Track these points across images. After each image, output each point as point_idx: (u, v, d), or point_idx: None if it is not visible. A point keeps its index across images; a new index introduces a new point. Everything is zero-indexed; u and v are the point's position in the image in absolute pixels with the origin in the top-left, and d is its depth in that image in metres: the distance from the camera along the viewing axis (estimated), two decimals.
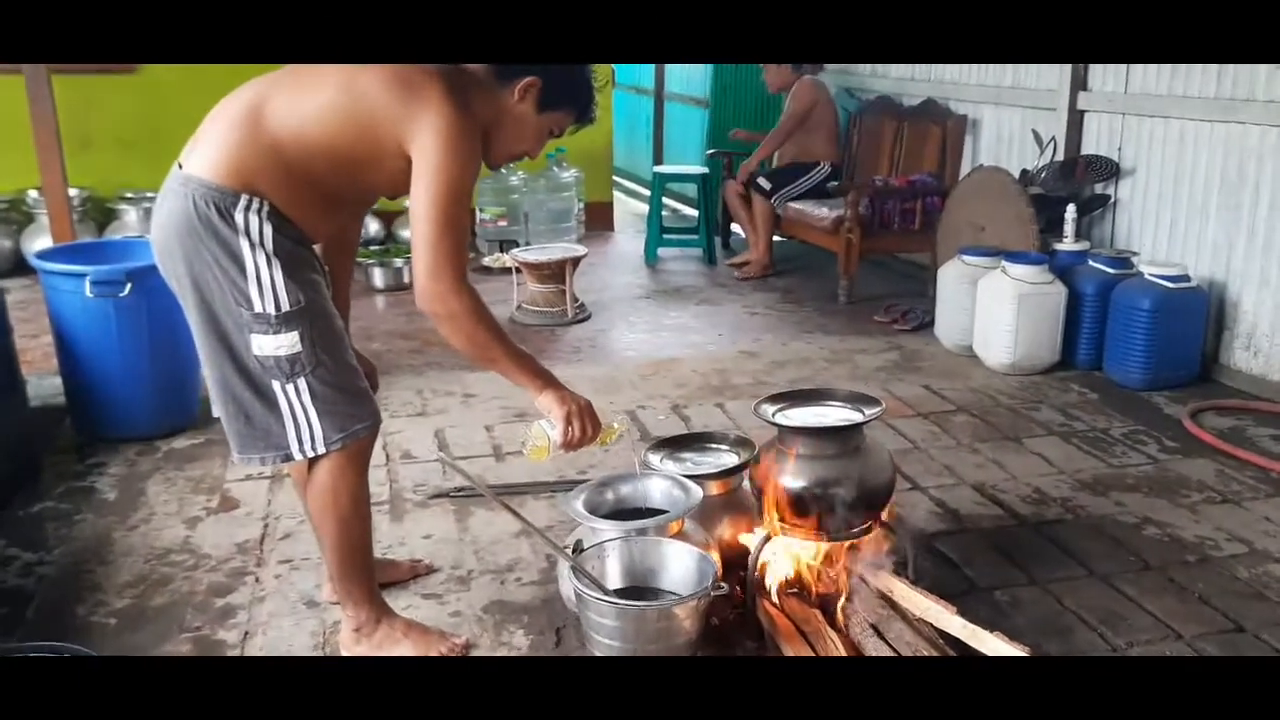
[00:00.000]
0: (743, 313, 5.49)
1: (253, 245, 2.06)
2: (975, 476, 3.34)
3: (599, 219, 7.61)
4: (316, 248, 2.28)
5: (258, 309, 2.07)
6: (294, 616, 2.57)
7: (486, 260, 6.36)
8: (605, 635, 2.06)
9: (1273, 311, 4.02)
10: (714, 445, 2.82)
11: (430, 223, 2.05)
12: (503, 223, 6.81)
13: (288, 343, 2.10)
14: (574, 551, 2.19)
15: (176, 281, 2.15)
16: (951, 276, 4.63)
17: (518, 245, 6.04)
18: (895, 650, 2.23)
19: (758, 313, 5.48)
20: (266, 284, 2.08)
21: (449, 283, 2.07)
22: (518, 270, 5.33)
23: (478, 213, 6.84)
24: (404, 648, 2.35)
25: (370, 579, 2.38)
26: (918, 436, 3.69)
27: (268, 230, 2.07)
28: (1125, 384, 4.14)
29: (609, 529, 2.31)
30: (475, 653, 2.40)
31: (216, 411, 2.21)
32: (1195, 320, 4.13)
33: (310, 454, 2.17)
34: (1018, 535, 2.94)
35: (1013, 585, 2.67)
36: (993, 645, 2.24)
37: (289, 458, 2.18)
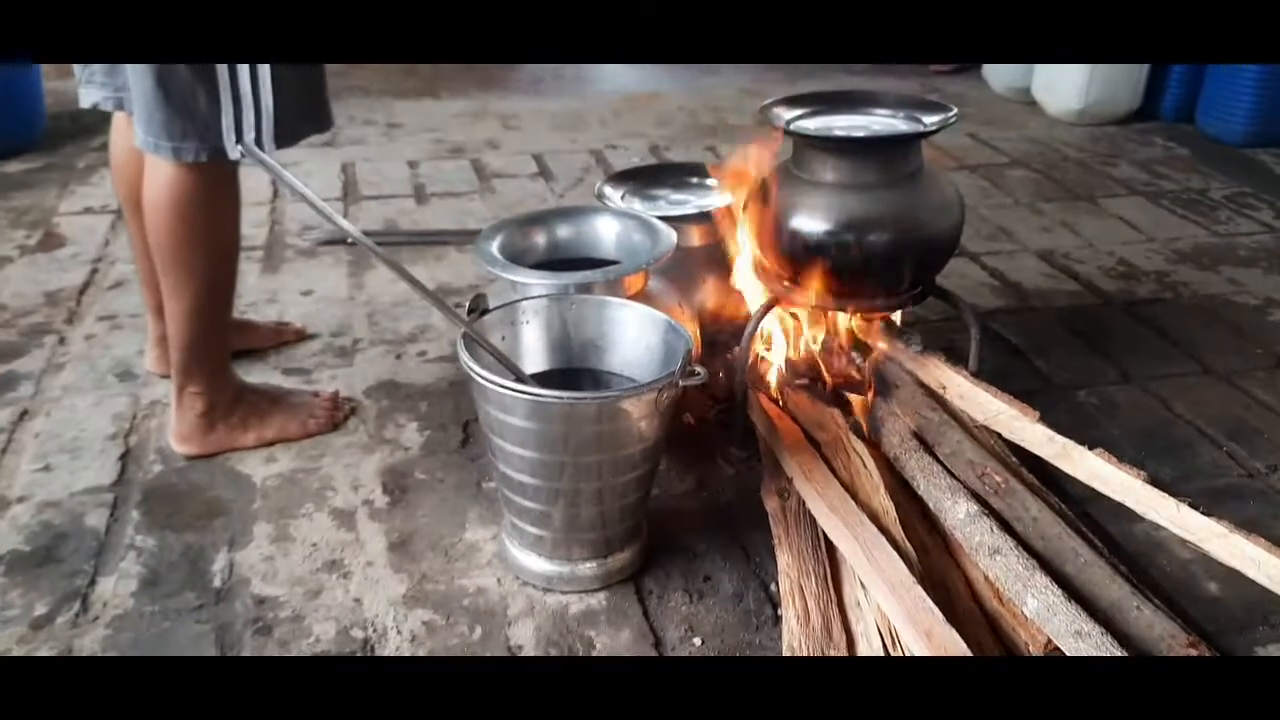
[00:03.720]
0: None
1: None
2: (1041, 242, 2.55)
3: None
4: None
5: None
6: (97, 392, 1.82)
7: None
8: (514, 441, 1.33)
9: None
10: (698, 180, 2.01)
11: None
12: None
13: None
14: (470, 313, 1.41)
15: None
16: None
17: None
18: (949, 469, 1.51)
19: None
20: None
21: None
22: None
23: None
24: (274, 426, 1.69)
25: (228, 341, 1.70)
26: (964, 192, 2.84)
27: None
28: (1223, 138, 3.30)
29: (533, 282, 1.53)
30: (349, 453, 1.68)
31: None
32: None
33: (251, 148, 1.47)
34: (1102, 317, 2.19)
35: (1102, 383, 1.94)
36: (1091, 467, 1.52)
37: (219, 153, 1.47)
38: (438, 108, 3.54)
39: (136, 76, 1.44)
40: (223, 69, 1.42)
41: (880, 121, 1.67)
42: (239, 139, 1.45)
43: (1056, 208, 2.78)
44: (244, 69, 1.42)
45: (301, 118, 1.53)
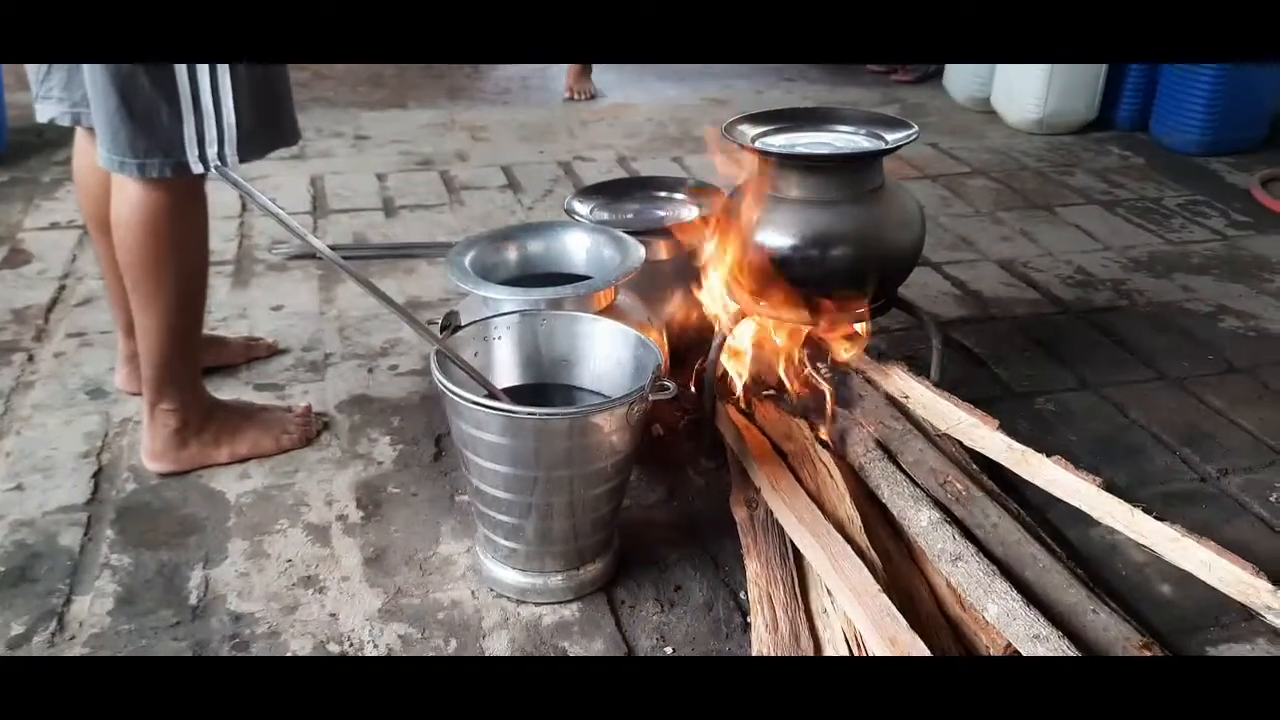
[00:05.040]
0: None
1: None
2: (1001, 251, 2.61)
3: None
4: None
5: None
6: (68, 410, 1.83)
7: None
8: (487, 456, 1.35)
9: None
10: (666, 194, 2.05)
11: None
12: None
13: None
14: (442, 329, 1.44)
15: None
16: None
17: None
18: (912, 478, 1.55)
19: None
20: None
21: None
22: None
23: None
24: (248, 441, 1.70)
25: (199, 358, 1.71)
26: (926, 202, 2.91)
27: None
28: (1177, 147, 3.37)
29: (505, 298, 1.56)
30: (322, 468, 1.69)
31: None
32: (1268, 70, 3.32)
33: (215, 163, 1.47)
34: (1060, 325, 2.25)
35: (1059, 390, 1.99)
36: (1048, 473, 1.57)
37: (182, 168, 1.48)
38: (405, 118, 3.55)
39: (98, 95, 1.44)
40: (183, 82, 1.42)
41: (843, 138, 1.71)
42: (201, 153, 1.46)
43: (1016, 217, 2.84)
44: (205, 81, 1.43)
45: (266, 129, 1.53)
